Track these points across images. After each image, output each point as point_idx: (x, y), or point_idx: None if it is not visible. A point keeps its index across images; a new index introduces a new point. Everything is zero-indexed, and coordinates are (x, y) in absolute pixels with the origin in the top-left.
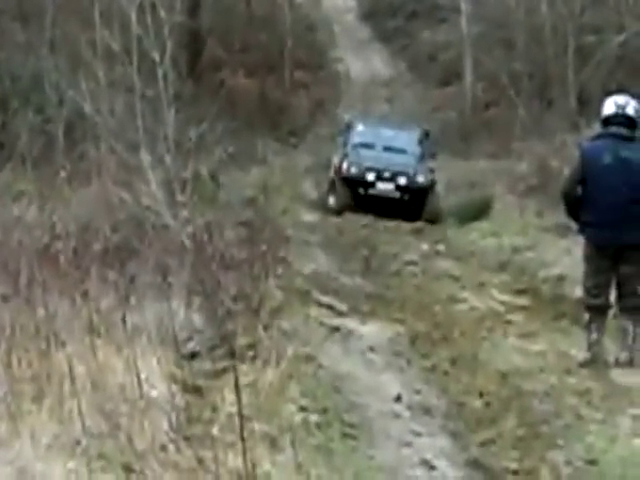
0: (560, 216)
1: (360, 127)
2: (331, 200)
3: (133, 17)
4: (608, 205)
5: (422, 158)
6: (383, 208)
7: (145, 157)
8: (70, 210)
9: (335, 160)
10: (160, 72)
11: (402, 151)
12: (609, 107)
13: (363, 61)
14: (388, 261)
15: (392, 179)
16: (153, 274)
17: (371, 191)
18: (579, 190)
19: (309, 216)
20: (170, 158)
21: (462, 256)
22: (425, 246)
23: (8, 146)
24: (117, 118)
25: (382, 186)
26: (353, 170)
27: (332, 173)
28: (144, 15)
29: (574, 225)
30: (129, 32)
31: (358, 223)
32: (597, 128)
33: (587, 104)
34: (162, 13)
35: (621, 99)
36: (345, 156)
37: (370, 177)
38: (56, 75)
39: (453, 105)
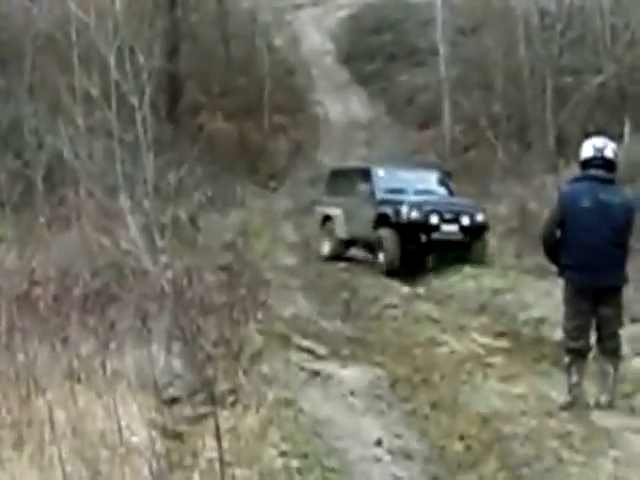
0: (539, 258)
1: (381, 173)
2: (381, 257)
3: (112, 62)
4: (587, 247)
5: (453, 197)
6: (440, 253)
7: (124, 202)
8: (50, 255)
9: (337, 213)
10: (139, 117)
11: (433, 193)
12: (587, 150)
13: (342, 104)
14: (368, 304)
15: (455, 220)
16: (133, 319)
17: (435, 235)
18: (558, 233)
19: (289, 259)
20: (149, 202)
21: (442, 299)
22: (405, 289)
23: None
24: (96, 163)
25: (447, 228)
26: (414, 215)
27: (339, 231)
28: (123, 60)
29: (554, 267)
30: (108, 77)
31: (337, 266)
32: (576, 169)
33: (566, 145)
34: (141, 58)
35: (599, 142)
36: (385, 203)
37: (434, 220)
38: (35, 120)
39: (432, 148)
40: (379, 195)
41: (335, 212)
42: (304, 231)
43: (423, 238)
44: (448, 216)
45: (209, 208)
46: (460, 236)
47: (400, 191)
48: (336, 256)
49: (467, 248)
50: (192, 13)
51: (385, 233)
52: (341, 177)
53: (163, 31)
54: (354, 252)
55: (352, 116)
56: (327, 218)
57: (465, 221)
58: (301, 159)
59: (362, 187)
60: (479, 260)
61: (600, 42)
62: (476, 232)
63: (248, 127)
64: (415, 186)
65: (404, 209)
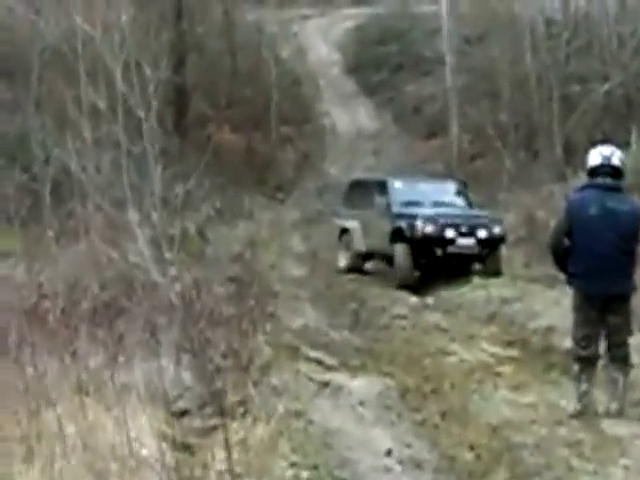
0: (548, 267)
1: (398, 185)
2: (398, 272)
3: (118, 74)
4: (596, 256)
5: (471, 208)
6: (456, 267)
7: (132, 214)
8: (58, 268)
9: (354, 226)
10: (146, 129)
11: (450, 205)
12: (595, 158)
13: (349, 114)
14: (377, 315)
15: (472, 233)
16: (142, 332)
17: (451, 249)
18: (566, 241)
19: (297, 270)
20: (157, 215)
21: (451, 309)
22: (413, 299)
23: None
24: (103, 175)
25: (463, 242)
26: (429, 229)
27: (357, 243)
28: (129, 72)
29: (562, 276)
30: (114, 89)
31: (346, 277)
32: (584, 178)
33: (573, 154)
34: (147, 70)
35: (606, 149)
36: (401, 217)
37: (450, 234)
38: (42, 133)
39: (439, 157)
40: (395, 208)
41: (353, 225)
42: (312, 242)
43: (439, 252)
44: (464, 229)
45: (217, 220)
46: (477, 249)
47: (417, 204)
48: (354, 269)
49: (482, 261)
50: (198, 25)
51: (399, 247)
52: (358, 189)
53: (169, 43)
54: (371, 265)
55: (359, 126)
56: (344, 231)
57: (482, 234)
58: (308, 170)
59: (379, 200)
60: (494, 272)
61: (606, 50)
62: (493, 244)
63: (255, 138)
64: (432, 198)
65: (419, 223)
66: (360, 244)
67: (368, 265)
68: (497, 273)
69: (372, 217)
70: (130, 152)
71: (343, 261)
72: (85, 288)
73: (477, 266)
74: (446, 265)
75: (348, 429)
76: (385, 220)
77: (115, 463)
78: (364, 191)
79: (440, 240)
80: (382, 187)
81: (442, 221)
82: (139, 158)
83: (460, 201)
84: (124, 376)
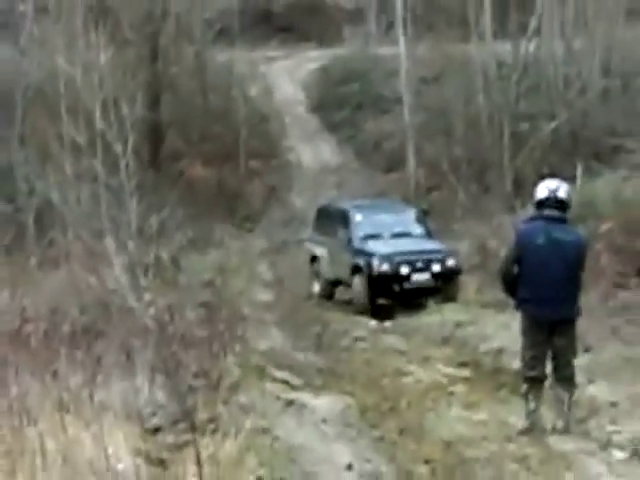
0: (498, 293)
1: (359, 217)
2: (356, 302)
3: (97, 112)
4: (543, 282)
5: (430, 237)
6: (413, 298)
7: (110, 243)
8: (40, 294)
9: (323, 253)
10: (123, 163)
11: (409, 235)
12: (542, 191)
13: (313, 150)
14: (339, 337)
15: (426, 268)
16: (118, 354)
17: (406, 285)
18: (515, 269)
19: (264, 296)
20: (133, 244)
21: (407, 332)
22: (372, 323)
23: None
24: (83, 207)
25: (417, 277)
26: (385, 267)
27: (325, 271)
28: (107, 110)
29: (512, 301)
30: (93, 126)
31: (310, 302)
32: (532, 210)
33: (522, 187)
34: (124, 108)
35: (553, 183)
36: (360, 253)
37: (404, 270)
38: (26, 167)
39: (397, 190)
40: (356, 243)
41: (321, 252)
42: (278, 269)
43: (396, 288)
44: (419, 265)
45: (189, 248)
46: (432, 283)
47: (376, 236)
48: (326, 296)
49: (438, 292)
50: (172, 66)
51: (357, 281)
52: (326, 216)
53: (145, 83)
54: (339, 293)
55: (322, 161)
56: (314, 258)
57: (436, 268)
58: (275, 202)
59: (341, 232)
60: (450, 301)
61: (553, 90)
62: (447, 277)
63: (225, 172)
64: (392, 229)
65: (375, 262)
66: (329, 272)
67: (338, 292)
68: (454, 299)
69: (336, 247)
70: (108, 185)
71: (316, 287)
72: (65, 312)
73: (434, 297)
74: (403, 298)
75: (311, 445)
76: (347, 253)
77: (93, 477)
78: (330, 219)
79: (396, 277)
80: (344, 218)
81: (398, 259)
82: (116, 191)
83: (419, 230)
84: (102, 395)
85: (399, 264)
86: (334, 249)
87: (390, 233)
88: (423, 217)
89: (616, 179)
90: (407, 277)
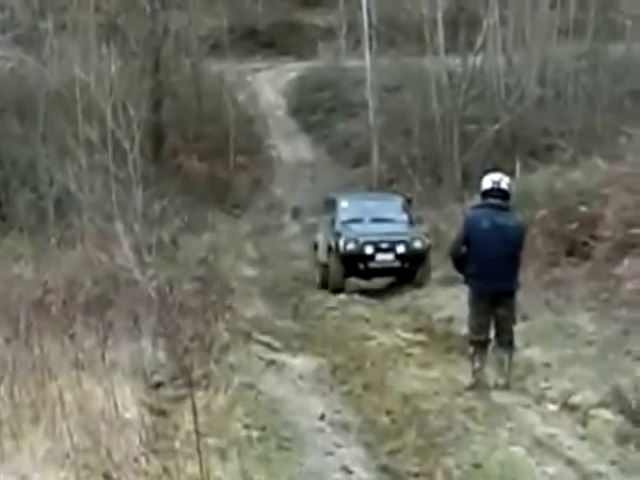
0: (449, 269)
1: (344, 203)
2: (331, 280)
3: (108, 114)
4: (487, 261)
5: (411, 224)
6: (381, 277)
7: (119, 226)
8: (59, 269)
9: (320, 239)
10: (130, 158)
11: (390, 220)
12: (487, 183)
13: (291, 147)
14: (313, 307)
15: (391, 249)
16: (126, 320)
17: (371, 264)
18: (464, 249)
19: (250, 271)
20: (138, 227)
21: (372, 303)
22: (343, 295)
23: (9, 218)
24: (96, 195)
25: (382, 257)
26: (350, 246)
27: (320, 255)
28: (117, 112)
29: (460, 276)
30: (105, 126)
31: (289, 276)
32: (478, 199)
33: (469, 180)
34: (131, 111)
35: (496, 176)
36: (337, 234)
37: (369, 250)
38: (47, 161)
39: (363, 182)
40: (337, 226)
41: (319, 239)
42: (262, 249)
43: (361, 266)
44: (384, 246)
45: (186, 231)
46: (397, 263)
47: (357, 221)
48: (324, 282)
49: (411, 274)
50: (172, 75)
51: (332, 260)
52: (326, 206)
53: (149, 89)
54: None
55: (299, 157)
56: (316, 246)
57: (400, 249)
58: (259, 191)
59: (328, 217)
60: (421, 283)
61: (496, 97)
62: (413, 259)
63: (217, 166)
64: (374, 215)
65: (341, 242)
66: (323, 256)
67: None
68: (424, 284)
69: (326, 233)
70: (117, 176)
71: (318, 277)
72: (81, 285)
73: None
74: (370, 276)
75: (290, 398)
76: (330, 236)
77: (104, 424)
78: (327, 208)
79: (361, 256)
80: (334, 205)
81: (362, 240)
82: (124, 181)
83: (401, 216)
84: (112, 355)
85: (364, 244)
86: (325, 234)
87: (371, 218)
88: (407, 205)
89: (549, 174)
90: (372, 257)
